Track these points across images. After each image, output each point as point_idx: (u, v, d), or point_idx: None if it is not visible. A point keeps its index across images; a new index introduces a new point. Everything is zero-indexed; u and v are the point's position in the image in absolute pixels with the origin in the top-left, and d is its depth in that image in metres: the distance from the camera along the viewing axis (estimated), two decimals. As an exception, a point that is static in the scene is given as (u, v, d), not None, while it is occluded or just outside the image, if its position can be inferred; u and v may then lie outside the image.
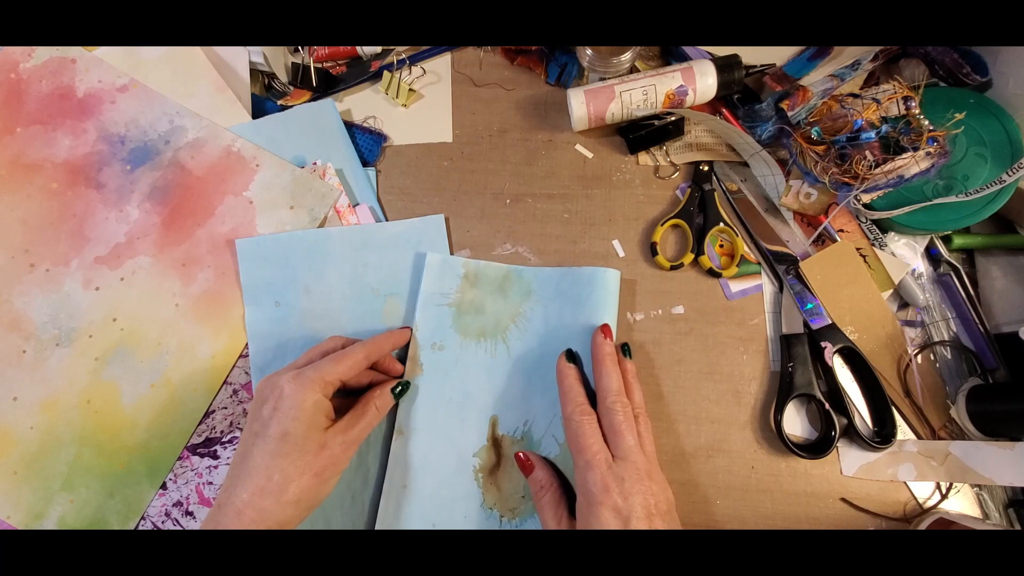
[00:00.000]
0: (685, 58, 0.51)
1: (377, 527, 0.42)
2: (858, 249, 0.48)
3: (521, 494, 0.43)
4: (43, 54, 0.50)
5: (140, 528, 0.44)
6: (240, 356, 0.46)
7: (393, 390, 0.43)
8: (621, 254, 0.50)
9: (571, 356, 0.43)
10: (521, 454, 0.42)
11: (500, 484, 0.44)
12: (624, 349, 0.44)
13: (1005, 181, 0.44)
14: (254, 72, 0.53)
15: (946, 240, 0.49)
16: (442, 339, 0.46)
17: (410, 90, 0.52)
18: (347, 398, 0.41)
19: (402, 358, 0.46)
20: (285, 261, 0.47)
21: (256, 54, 0.52)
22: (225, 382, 0.46)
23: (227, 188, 0.49)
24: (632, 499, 0.35)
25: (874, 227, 0.49)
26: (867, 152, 0.45)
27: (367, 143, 0.52)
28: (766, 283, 0.49)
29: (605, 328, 0.43)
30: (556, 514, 0.39)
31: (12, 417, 0.44)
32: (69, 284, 0.47)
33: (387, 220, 0.50)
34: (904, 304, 0.48)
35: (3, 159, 0.48)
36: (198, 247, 0.48)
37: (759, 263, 0.49)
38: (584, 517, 0.36)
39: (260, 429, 0.36)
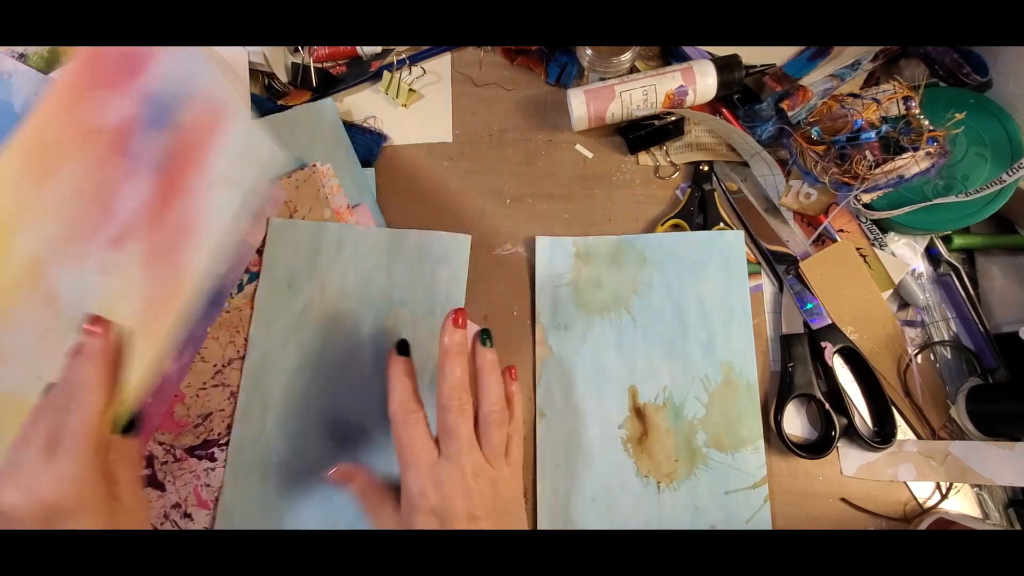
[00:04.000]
0: (685, 58, 0.51)
1: (538, 505, 0.43)
2: (858, 249, 0.48)
3: (675, 458, 0.44)
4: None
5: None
6: (238, 359, 0.46)
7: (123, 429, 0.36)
8: (621, 254, 0.50)
9: (402, 348, 0.39)
10: (329, 476, 0.41)
11: (651, 451, 0.44)
12: (483, 336, 0.39)
13: (1005, 181, 0.44)
14: (254, 72, 0.53)
15: (946, 240, 0.49)
16: (566, 319, 0.47)
17: (410, 90, 0.52)
18: None
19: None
20: (309, 249, 0.47)
21: (256, 54, 0.52)
22: (222, 384, 0.46)
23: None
24: (449, 502, 0.34)
25: (874, 227, 0.49)
26: (867, 152, 0.45)
27: (367, 143, 0.52)
28: (766, 283, 0.49)
29: (456, 313, 0.37)
30: (379, 509, 0.38)
31: (36, 396, 0.43)
32: (93, 262, 0.42)
33: (386, 221, 0.50)
34: (904, 304, 0.48)
35: (75, 127, 0.43)
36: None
37: (759, 263, 0.49)
38: (405, 519, 0.35)
39: None
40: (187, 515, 0.44)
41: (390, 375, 0.38)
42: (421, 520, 0.34)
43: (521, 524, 0.36)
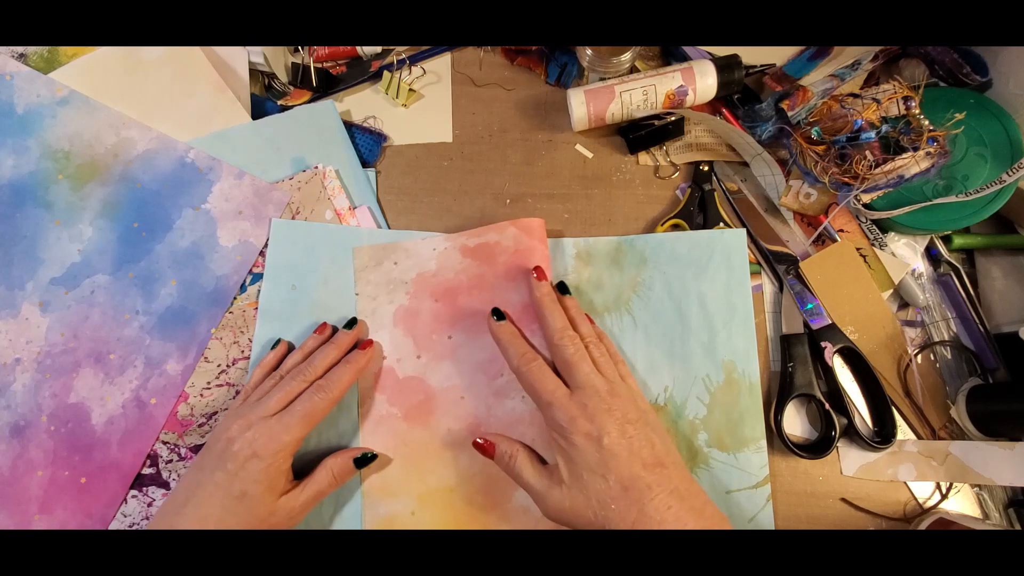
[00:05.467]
0: (685, 58, 0.51)
1: None
2: (858, 249, 0.48)
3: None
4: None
5: (140, 528, 0.44)
6: (243, 359, 0.46)
7: (356, 461, 0.41)
8: (621, 254, 0.50)
9: (498, 314, 0.43)
10: (477, 441, 0.41)
11: None
12: (561, 287, 0.44)
13: (1005, 181, 0.44)
14: (254, 72, 0.53)
15: (946, 240, 0.49)
16: None
17: (410, 90, 0.52)
18: None
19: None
20: (312, 250, 0.48)
21: (256, 54, 0.52)
22: (227, 384, 0.46)
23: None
24: (599, 419, 0.36)
25: (874, 227, 0.49)
26: (867, 152, 0.45)
27: (367, 143, 0.52)
28: (766, 283, 0.49)
29: (537, 270, 0.43)
30: (534, 470, 0.38)
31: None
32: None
33: (387, 222, 0.50)
34: (904, 304, 0.48)
35: None
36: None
37: (759, 263, 0.49)
38: (560, 451, 0.37)
39: (222, 480, 0.37)
40: (188, 515, 0.44)
41: (500, 340, 0.42)
42: (578, 442, 0.36)
43: (651, 428, 0.37)
